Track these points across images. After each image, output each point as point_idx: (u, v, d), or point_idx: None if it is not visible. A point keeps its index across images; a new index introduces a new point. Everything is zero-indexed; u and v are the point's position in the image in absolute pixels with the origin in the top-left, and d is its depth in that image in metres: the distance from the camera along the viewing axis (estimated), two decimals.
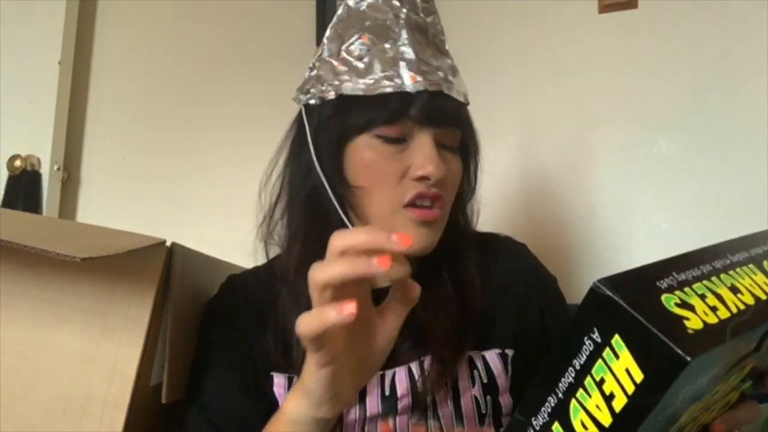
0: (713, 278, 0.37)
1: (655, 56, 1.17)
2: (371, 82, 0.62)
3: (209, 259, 0.76)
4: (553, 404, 0.37)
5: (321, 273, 0.43)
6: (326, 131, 0.64)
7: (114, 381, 0.59)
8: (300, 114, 0.68)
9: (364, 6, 0.66)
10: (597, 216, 1.18)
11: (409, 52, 0.63)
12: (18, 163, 1.46)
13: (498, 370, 0.65)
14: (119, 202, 1.52)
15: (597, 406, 0.34)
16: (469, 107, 0.69)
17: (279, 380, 0.64)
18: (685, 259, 0.38)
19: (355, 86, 0.62)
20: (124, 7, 1.59)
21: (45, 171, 1.47)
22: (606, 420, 0.34)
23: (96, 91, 1.58)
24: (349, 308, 0.41)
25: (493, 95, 1.25)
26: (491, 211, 0.73)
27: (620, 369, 0.33)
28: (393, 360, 0.64)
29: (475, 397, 0.64)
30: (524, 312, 0.70)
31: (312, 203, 0.66)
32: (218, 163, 1.46)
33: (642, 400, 0.32)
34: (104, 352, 0.60)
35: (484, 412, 0.64)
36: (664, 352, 0.30)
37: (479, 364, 0.65)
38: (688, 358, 0.30)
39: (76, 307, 0.60)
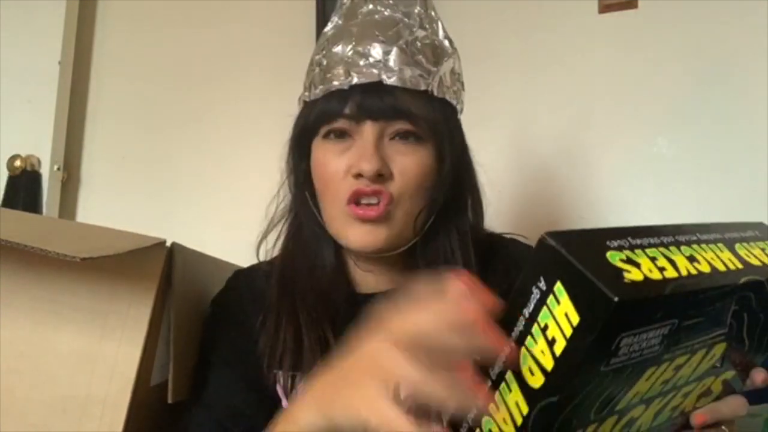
0: (671, 247, 0.38)
1: (655, 56, 1.17)
2: (321, 84, 0.65)
3: (209, 259, 0.76)
4: (507, 353, 0.37)
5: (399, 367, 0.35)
6: (296, 135, 0.69)
7: (114, 381, 0.59)
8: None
9: (346, 8, 0.69)
10: (597, 216, 1.17)
11: (347, 49, 0.64)
12: (18, 163, 1.46)
13: None
14: (119, 202, 1.51)
15: (542, 351, 0.35)
16: (467, 106, 0.69)
17: (283, 377, 0.64)
18: (647, 229, 0.39)
19: (314, 89, 0.66)
20: (124, 7, 1.59)
21: (45, 171, 1.47)
22: (549, 364, 0.34)
23: (96, 91, 1.58)
24: None
25: (493, 95, 1.25)
26: (491, 210, 0.73)
27: (561, 314, 0.34)
28: None
29: None
30: None
31: (298, 203, 0.70)
32: (218, 162, 1.46)
33: (579, 342, 0.33)
34: (104, 352, 0.59)
35: None
36: (595, 293, 0.31)
37: None
38: (615, 299, 0.31)
39: (76, 307, 0.60)
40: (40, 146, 1.48)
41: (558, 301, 0.34)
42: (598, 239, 0.36)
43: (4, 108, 1.46)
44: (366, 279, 0.69)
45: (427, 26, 0.67)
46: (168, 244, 0.63)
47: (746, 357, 0.46)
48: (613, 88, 1.19)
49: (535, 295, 0.35)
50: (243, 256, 0.76)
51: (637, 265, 0.34)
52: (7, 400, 0.59)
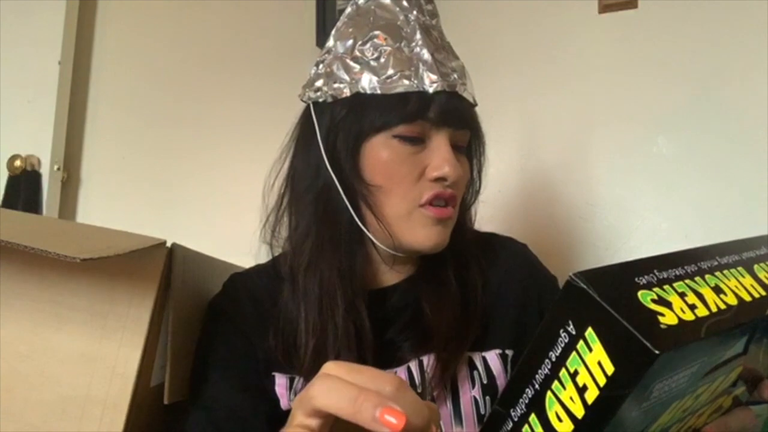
0: (697, 278, 0.37)
1: (655, 56, 1.17)
2: (388, 80, 0.61)
3: (209, 259, 0.76)
4: (530, 396, 0.37)
5: (326, 398, 0.35)
6: (341, 130, 0.64)
7: (114, 381, 0.59)
8: (307, 112, 0.67)
9: (373, 5, 0.66)
10: (597, 216, 1.17)
11: (425, 53, 0.63)
12: (18, 163, 1.46)
13: (498, 370, 0.65)
14: (119, 202, 1.52)
15: (571, 398, 0.34)
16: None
17: (281, 380, 0.64)
18: (669, 258, 0.38)
19: (371, 84, 0.62)
20: (124, 7, 1.59)
21: (45, 171, 1.47)
22: (579, 412, 0.34)
23: (96, 91, 1.58)
24: None
25: (493, 95, 1.25)
26: (491, 211, 0.73)
27: (593, 361, 0.33)
28: (393, 359, 0.65)
29: (475, 398, 0.64)
30: (524, 312, 0.70)
31: (321, 202, 0.65)
32: (218, 163, 1.46)
33: (613, 392, 0.32)
34: (104, 352, 0.59)
35: (483, 412, 0.64)
36: (633, 344, 0.30)
37: (479, 364, 0.65)
38: (657, 352, 0.29)
39: (76, 307, 0.60)
40: (40, 146, 1.48)
41: (590, 348, 0.33)
42: (627, 276, 0.34)
43: (4, 108, 1.46)
44: (386, 275, 0.69)
45: (446, 39, 0.69)
46: (168, 244, 0.63)
47: (756, 372, 0.46)
48: (613, 88, 1.19)
49: (563, 338, 0.34)
50: (243, 256, 0.76)
51: (669, 305, 0.33)
52: (7, 400, 0.59)
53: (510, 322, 0.69)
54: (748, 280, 0.40)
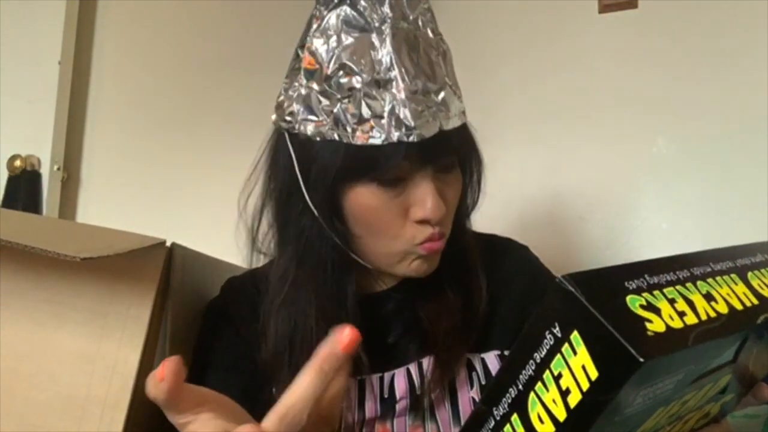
0: (688, 284, 0.37)
1: (655, 56, 1.17)
2: (360, 131, 0.56)
3: (209, 259, 0.76)
4: (513, 395, 0.36)
5: None
6: (316, 170, 0.59)
7: (114, 381, 0.59)
8: (281, 137, 0.63)
9: (342, 15, 0.58)
10: (597, 216, 1.18)
11: (401, 92, 0.55)
12: (18, 163, 1.46)
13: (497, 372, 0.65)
14: (119, 202, 1.52)
15: (553, 401, 0.34)
16: (467, 107, 0.68)
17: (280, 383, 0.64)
18: (662, 263, 0.37)
19: (344, 131, 0.57)
20: (124, 7, 1.59)
21: (45, 171, 1.47)
22: (561, 415, 0.33)
23: (96, 91, 1.58)
24: None
25: (493, 95, 1.25)
26: (490, 211, 0.73)
27: (577, 365, 0.32)
28: (392, 362, 0.64)
29: (473, 399, 0.64)
30: (524, 314, 0.69)
31: (304, 239, 0.62)
32: (219, 163, 1.46)
33: (596, 397, 0.32)
34: (104, 352, 0.59)
35: (488, 385, 0.64)
36: (618, 351, 0.30)
37: (478, 366, 0.65)
38: (641, 360, 0.29)
39: (76, 307, 0.60)
40: (40, 146, 1.48)
41: (574, 352, 0.32)
42: (616, 280, 0.34)
43: (4, 108, 1.46)
44: (381, 280, 0.68)
45: (435, 45, 0.61)
46: (168, 243, 0.63)
47: (747, 378, 0.46)
48: (613, 88, 1.19)
49: (549, 340, 0.34)
50: (243, 257, 0.76)
51: (658, 311, 0.33)
52: (7, 400, 0.59)
53: (509, 323, 0.68)
54: (740, 288, 0.40)
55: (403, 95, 0.55)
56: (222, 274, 0.73)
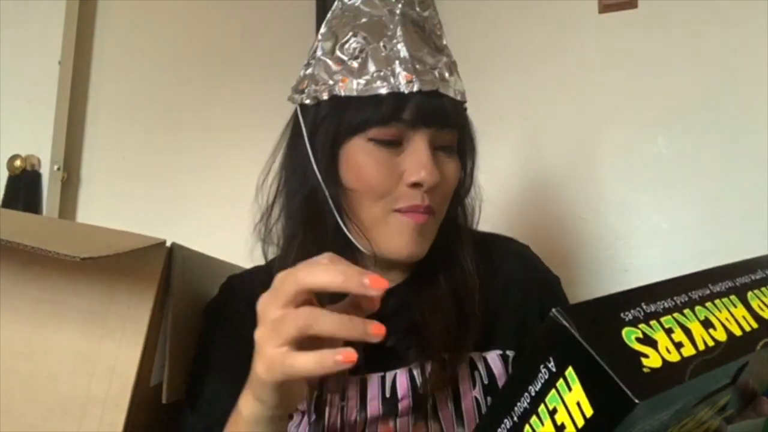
0: (686, 310, 0.36)
1: (655, 56, 1.17)
2: (364, 82, 0.60)
3: (209, 259, 0.76)
4: (508, 426, 0.36)
5: (310, 275, 0.42)
6: (321, 132, 0.63)
7: (114, 381, 0.59)
8: (295, 114, 0.67)
9: (358, 2, 0.64)
10: (597, 216, 1.17)
11: (403, 51, 0.61)
12: (18, 163, 1.46)
13: (499, 371, 0.65)
14: (119, 202, 1.52)
15: None
16: (468, 107, 0.69)
17: None
18: (658, 289, 0.37)
19: (348, 86, 0.61)
20: (124, 7, 1.59)
21: (45, 171, 1.48)
22: None
23: (96, 91, 1.58)
24: (352, 356, 0.41)
25: (493, 95, 1.25)
26: (491, 211, 0.73)
27: (572, 401, 0.32)
28: (394, 362, 0.64)
29: (476, 399, 0.64)
30: (526, 313, 0.70)
31: (309, 206, 0.64)
32: (218, 162, 1.46)
33: None
34: (104, 352, 0.59)
35: (484, 413, 0.64)
36: (613, 391, 0.30)
37: (480, 365, 0.65)
38: (637, 401, 0.29)
39: (76, 307, 0.60)
40: (40, 146, 1.48)
41: (569, 388, 0.32)
42: (612, 311, 0.33)
43: (4, 108, 1.46)
44: None
45: (439, 32, 0.67)
46: (168, 243, 0.63)
47: (747, 393, 0.46)
48: (613, 88, 1.19)
49: (544, 374, 0.33)
50: (243, 257, 0.76)
51: (654, 345, 0.32)
52: (7, 400, 0.59)
53: (511, 322, 0.68)
54: (740, 311, 0.39)
55: (407, 55, 0.61)
56: (222, 274, 0.73)
